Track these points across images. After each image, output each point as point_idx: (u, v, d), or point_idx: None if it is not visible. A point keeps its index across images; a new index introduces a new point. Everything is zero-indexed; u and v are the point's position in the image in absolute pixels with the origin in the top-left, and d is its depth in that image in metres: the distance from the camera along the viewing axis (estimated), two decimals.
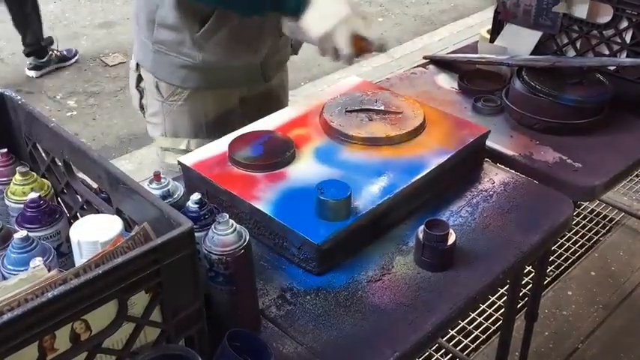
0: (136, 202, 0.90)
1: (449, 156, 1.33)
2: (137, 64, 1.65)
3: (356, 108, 1.45)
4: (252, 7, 1.41)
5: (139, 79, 1.67)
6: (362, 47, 1.35)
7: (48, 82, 4.27)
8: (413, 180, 1.26)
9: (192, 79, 1.59)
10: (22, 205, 1.00)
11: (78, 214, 1.06)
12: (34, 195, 1.00)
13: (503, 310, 2.34)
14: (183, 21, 1.50)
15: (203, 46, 1.53)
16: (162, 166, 1.67)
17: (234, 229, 0.95)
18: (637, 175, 3.13)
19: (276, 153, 1.31)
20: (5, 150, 1.09)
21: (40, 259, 0.84)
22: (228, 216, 0.95)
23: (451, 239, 1.17)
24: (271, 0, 1.36)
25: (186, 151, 1.57)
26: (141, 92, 1.68)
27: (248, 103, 1.70)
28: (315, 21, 1.32)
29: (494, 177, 1.44)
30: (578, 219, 2.92)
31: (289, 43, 1.75)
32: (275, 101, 1.74)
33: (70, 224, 0.95)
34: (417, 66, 1.97)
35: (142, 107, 1.71)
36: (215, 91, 1.63)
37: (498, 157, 1.52)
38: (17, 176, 1.03)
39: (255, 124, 1.43)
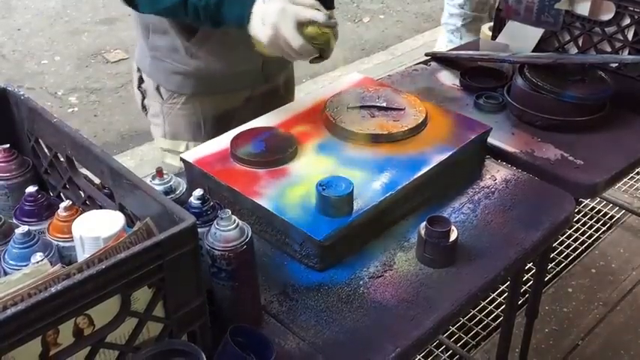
0: (139, 198, 0.90)
1: (450, 153, 1.33)
2: (138, 67, 1.65)
3: (358, 105, 1.45)
4: (195, 22, 1.37)
5: (140, 80, 1.67)
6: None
7: (49, 79, 4.27)
8: (415, 177, 1.27)
9: (187, 85, 1.58)
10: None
11: (80, 209, 1.06)
12: (32, 189, 1.00)
13: (503, 306, 2.34)
14: (175, 28, 1.49)
15: (196, 54, 1.52)
16: (163, 164, 1.68)
17: (237, 225, 0.95)
18: (638, 173, 3.13)
19: (278, 149, 1.31)
20: (7, 145, 1.09)
21: (42, 254, 0.84)
22: (230, 212, 0.95)
23: (453, 236, 1.18)
24: (211, 15, 1.31)
25: None
26: (143, 93, 1.68)
27: (254, 101, 1.69)
28: (260, 27, 1.26)
29: (496, 174, 1.44)
30: (579, 216, 2.92)
31: None
32: (280, 98, 1.71)
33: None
34: (419, 63, 1.97)
35: (144, 107, 1.71)
36: (213, 96, 1.62)
37: (500, 154, 1.52)
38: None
39: (257, 121, 1.43)
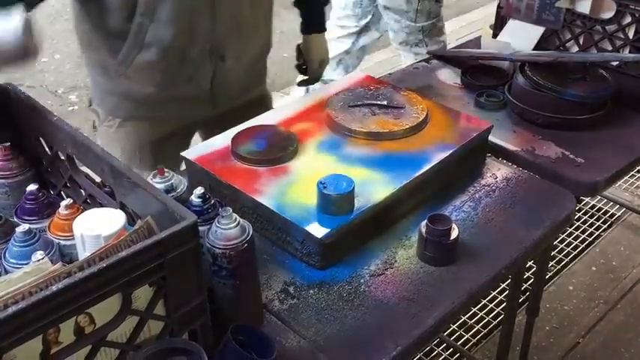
0: (140, 196, 0.90)
1: (451, 151, 1.33)
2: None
3: (359, 102, 1.45)
4: None
5: (91, 100, 1.61)
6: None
7: (49, 77, 4.27)
8: (416, 175, 1.26)
9: (121, 108, 1.52)
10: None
11: (81, 208, 1.06)
12: (33, 187, 1.00)
13: (504, 304, 2.34)
14: (104, 45, 1.44)
15: (126, 74, 1.45)
16: None
17: (238, 223, 0.95)
18: (638, 171, 3.12)
19: (279, 147, 1.31)
20: (8, 144, 1.09)
21: (42, 252, 0.84)
22: (231, 210, 0.95)
23: (454, 234, 1.18)
24: None
25: None
26: (95, 112, 1.60)
27: (205, 127, 1.63)
28: None
29: (497, 172, 1.44)
30: (580, 214, 2.92)
31: (259, 65, 1.68)
32: (241, 119, 1.49)
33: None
34: (420, 61, 1.97)
35: (94, 128, 1.61)
36: (150, 121, 1.54)
37: (501, 152, 1.52)
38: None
39: (257, 119, 1.43)
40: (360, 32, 3.08)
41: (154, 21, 1.39)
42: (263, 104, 1.73)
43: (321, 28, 1.84)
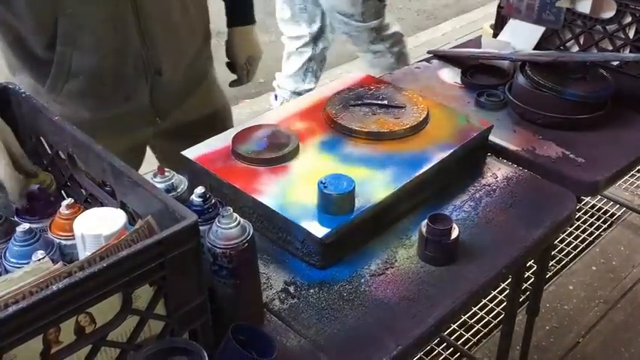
0: (140, 196, 0.90)
1: (452, 150, 1.33)
2: None
3: (359, 102, 1.45)
4: None
5: None
6: None
7: None
8: (416, 174, 1.26)
9: None
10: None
11: (82, 207, 1.06)
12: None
13: (504, 304, 2.34)
14: (30, 71, 1.34)
15: (57, 99, 1.35)
16: None
17: (238, 223, 0.95)
18: (639, 171, 3.13)
19: (280, 147, 1.30)
20: None
21: (43, 252, 0.84)
22: (232, 209, 0.95)
23: (454, 233, 1.18)
24: None
25: None
26: None
27: (156, 142, 1.55)
28: None
29: (497, 172, 1.44)
30: (580, 214, 2.92)
31: (199, 62, 1.54)
32: (203, 129, 1.43)
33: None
34: (421, 60, 1.97)
35: None
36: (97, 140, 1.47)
37: (501, 152, 1.52)
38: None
39: (258, 119, 1.43)
40: (316, 37, 3.11)
41: (77, 49, 1.29)
42: (211, 102, 1.61)
43: (248, 20, 1.67)
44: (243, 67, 1.72)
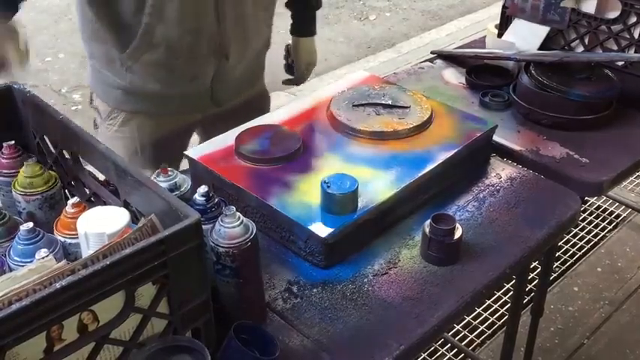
0: (144, 195, 0.90)
1: (456, 150, 1.33)
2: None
3: (363, 102, 1.45)
4: None
5: (92, 97, 1.60)
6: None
7: (53, 76, 4.28)
8: (420, 174, 1.26)
9: (126, 101, 1.51)
10: (30, 197, 1.00)
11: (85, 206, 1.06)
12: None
13: (508, 305, 2.34)
14: (111, 36, 1.44)
15: (131, 68, 1.46)
16: None
17: (241, 222, 0.95)
18: None
19: (283, 147, 1.31)
20: (12, 142, 1.09)
21: (46, 250, 0.84)
22: (235, 209, 0.95)
23: (457, 233, 1.17)
24: None
25: None
26: (96, 109, 1.60)
27: (203, 127, 1.64)
28: None
29: (501, 172, 1.43)
30: (585, 215, 2.91)
31: (258, 63, 1.69)
32: (241, 120, 1.47)
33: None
34: (425, 61, 1.97)
35: (95, 126, 1.61)
36: (153, 118, 1.54)
37: (505, 152, 1.52)
38: (25, 168, 1.02)
39: (261, 119, 1.43)
40: None
41: (161, 21, 1.40)
42: (261, 102, 1.76)
43: (311, 33, 1.85)
44: (303, 72, 1.91)
